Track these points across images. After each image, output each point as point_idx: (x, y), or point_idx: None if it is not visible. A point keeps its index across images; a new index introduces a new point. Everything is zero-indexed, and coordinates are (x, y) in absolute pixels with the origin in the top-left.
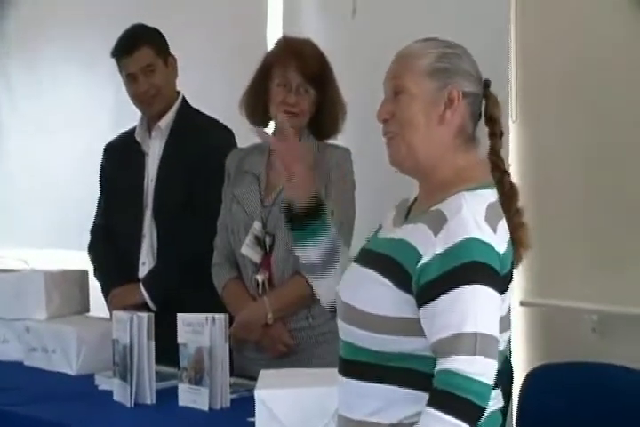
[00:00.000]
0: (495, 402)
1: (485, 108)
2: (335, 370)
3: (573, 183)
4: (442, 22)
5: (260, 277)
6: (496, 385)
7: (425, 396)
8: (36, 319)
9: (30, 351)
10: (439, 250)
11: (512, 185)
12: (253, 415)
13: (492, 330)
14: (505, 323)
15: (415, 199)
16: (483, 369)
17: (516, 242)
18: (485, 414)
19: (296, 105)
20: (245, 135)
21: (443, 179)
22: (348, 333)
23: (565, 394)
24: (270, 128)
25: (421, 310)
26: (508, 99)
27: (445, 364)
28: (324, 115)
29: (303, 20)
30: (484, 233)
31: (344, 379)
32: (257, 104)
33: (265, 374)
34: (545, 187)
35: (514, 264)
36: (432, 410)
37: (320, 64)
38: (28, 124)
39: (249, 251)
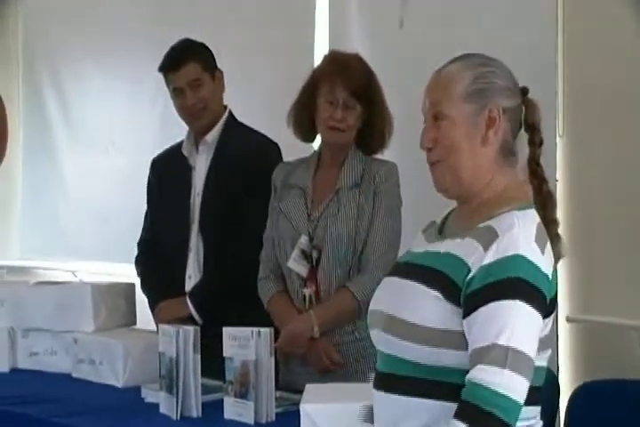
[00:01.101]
0: (535, 422)
1: (525, 116)
2: None
3: (621, 198)
4: (488, 35)
5: (306, 291)
6: (536, 402)
7: None
8: (83, 331)
9: (78, 363)
10: (486, 262)
11: (550, 194)
12: None
13: (526, 348)
14: (547, 341)
15: (447, 215)
16: (510, 384)
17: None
18: None
19: (342, 121)
20: (291, 149)
21: (486, 199)
22: (392, 345)
23: (612, 411)
24: (316, 143)
25: (464, 321)
26: (555, 113)
27: (473, 373)
28: (371, 129)
29: (350, 32)
30: (533, 253)
31: (384, 394)
32: (304, 120)
33: (310, 388)
34: (592, 202)
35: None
36: (457, 421)
37: (366, 79)
38: (80, 139)
39: (295, 265)
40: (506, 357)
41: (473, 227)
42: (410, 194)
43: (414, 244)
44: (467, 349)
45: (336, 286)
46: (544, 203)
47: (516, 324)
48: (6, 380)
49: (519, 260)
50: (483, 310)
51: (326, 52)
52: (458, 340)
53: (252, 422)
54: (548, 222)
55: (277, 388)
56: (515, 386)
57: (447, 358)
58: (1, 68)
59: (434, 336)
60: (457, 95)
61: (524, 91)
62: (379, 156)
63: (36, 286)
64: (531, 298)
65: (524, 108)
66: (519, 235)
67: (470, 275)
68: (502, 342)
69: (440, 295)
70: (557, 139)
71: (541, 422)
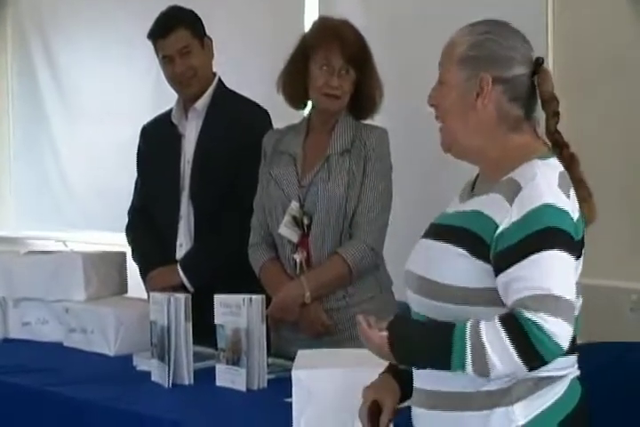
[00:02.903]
0: (573, 369)
1: (537, 87)
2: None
3: (613, 164)
4: (479, 1)
5: (297, 257)
6: (573, 351)
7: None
8: (75, 300)
9: (69, 332)
10: (515, 217)
11: (572, 157)
12: (291, 396)
13: (569, 294)
14: (578, 289)
15: (477, 175)
16: (560, 331)
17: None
18: (567, 381)
19: (338, 88)
20: (281, 116)
21: (496, 157)
22: (423, 305)
23: (603, 373)
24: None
25: (499, 277)
26: None
27: (528, 314)
28: (363, 95)
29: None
30: (558, 199)
31: None
32: (296, 86)
33: (302, 355)
34: (585, 168)
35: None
36: (503, 331)
37: (360, 45)
38: (73, 108)
39: (286, 231)
40: (555, 306)
41: (496, 181)
42: (400, 159)
43: (450, 205)
44: (494, 305)
45: (328, 252)
46: (568, 166)
47: (557, 273)
48: None
49: (547, 209)
50: (522, 264)
51: (316, 18)
52: (486, 297)
53: (244, 388)
54: (576, 184)
55: (269, 354)
56: (563, 333)
57: (475, 315)
58: None
59: (462, 295)
60: (454, 59)
61: (538, 61)
62: (369, 121)
63: (27, 256)
64: (566, 245)
65: (536, 78)
66: (541, 183)
67: (499, 230)
68: (548, 291)
69: (466, 253)
70: None
71: (578, 372)
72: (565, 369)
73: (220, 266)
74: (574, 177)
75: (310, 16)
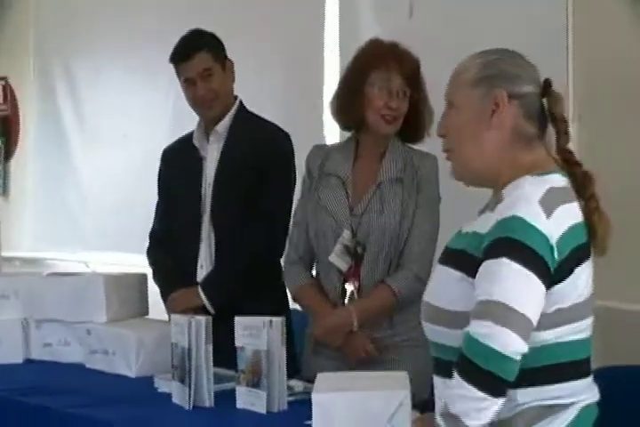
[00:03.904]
0: (591, 395)
1: (548, 107)
2: (393, 373)
3: (635, 184)
4: (499, 23)
5: (349, 287)
6: (587, 374)
7: (516, 392)
8: (96, 322)
9: (91, 354)
10: (490, 229)
11: (585, 174)
12: (311, 419)
13: (517, 305)
14: (580, 311)
15: None
16: (502, 339)
17: (590, 229)
18: (575, 410)
19: (396, 109)
20: (300, 139)
21: (507, 177)
22: (429, 331)
23: (626, 398)
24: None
25: None
26: (566, 100)
27: (469, 326)
28: (417, 117)
29: (360, 22)
30: (531, 214)
31: (439, 378)
32: (353, 108)
33: (322, 377)
34: (606, 189)
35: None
36: (462, 380)
37: (417, 66)
38: (92, 131)
39: (337, 260)
40: (495, 311)
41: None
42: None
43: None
44: None
45: (376, 281)
46: (581, 183)
47: (505, 281)
48: (20, 371)
49: (514, 221)
50: (479, 272)
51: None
52: None
53: (264, 411)
54: (586, 199)
55: (299, 377)
56: (507, 341)
57: None
58: (14, 62)
59: (461, 319)
60: (465, 82)
61: (547, 82)
62: (419, 146)
63: (49, 278)
64: (520, 257)
65: (546, 99)
66: (520, 196)
67: (483, 244)
68: (491, 297)
69: (464, 275)
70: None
71: (592, 399)
72: (572, 397)
73: (242, 287)
74: (586, 195)
75: (330, 38)
